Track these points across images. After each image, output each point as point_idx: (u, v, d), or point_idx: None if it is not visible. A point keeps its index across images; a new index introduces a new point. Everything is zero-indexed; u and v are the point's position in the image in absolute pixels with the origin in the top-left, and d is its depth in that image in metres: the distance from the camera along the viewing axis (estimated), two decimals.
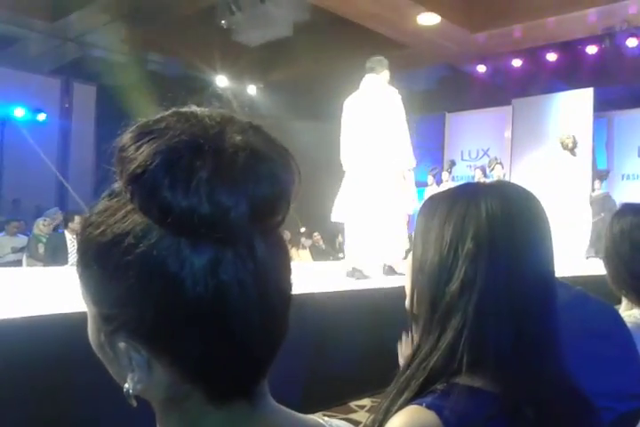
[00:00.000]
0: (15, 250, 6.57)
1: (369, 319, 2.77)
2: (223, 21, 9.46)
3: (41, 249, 6.15)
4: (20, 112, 10.11)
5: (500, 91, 10.72)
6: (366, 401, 2.88)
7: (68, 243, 5.95)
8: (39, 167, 10.09)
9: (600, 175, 8.64)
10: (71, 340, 1.78)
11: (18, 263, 6.25)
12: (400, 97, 4.35)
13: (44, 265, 5.72)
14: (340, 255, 8.01)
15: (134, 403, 0.49)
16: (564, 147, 7.61)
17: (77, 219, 6.07)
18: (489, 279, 0.78)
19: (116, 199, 0.46)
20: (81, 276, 0.48)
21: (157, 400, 0.49)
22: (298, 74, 10.48)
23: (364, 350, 2.66)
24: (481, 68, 10.41)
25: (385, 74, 4.39)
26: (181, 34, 9.45)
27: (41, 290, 3.13)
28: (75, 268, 0.49)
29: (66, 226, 6.22)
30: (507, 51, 9.78)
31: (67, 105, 11.05)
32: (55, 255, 5.81)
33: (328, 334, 2.57)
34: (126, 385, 0.47)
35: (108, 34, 9.54)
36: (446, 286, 0.80)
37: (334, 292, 3.01)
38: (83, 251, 0.47)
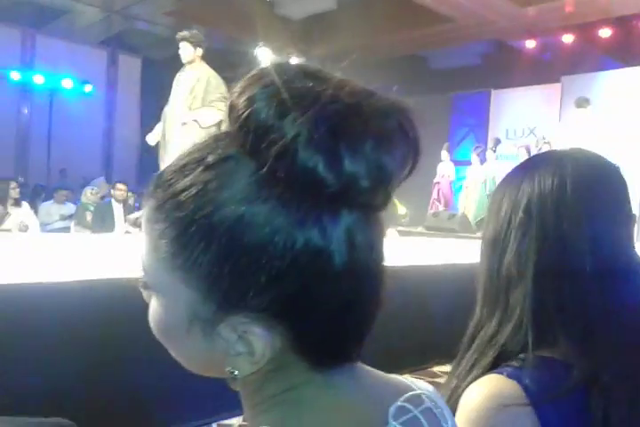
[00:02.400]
0: (63, 217, 6.79)
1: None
2: None
3: (89, 217, 6.34)
4: (67, 83, 10.31)
5: (548, 67, 10.41)
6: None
7: (115, 211, 6.12)
8: (86, 138, 10.33)
9: None
10: (118, 303, 1.86)
11: (66, 230, 6.46)
12: None
13: (92, 232, 5.90)
14: None
15: (237, 387, 0.47)
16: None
17: (120, 186, 6.23)
18: (542, 252, 0.78)
19: (214, 171, 0.42)
20: (171, 258, 0.43)
21: (256, 374, 0.45)
22: (341, 47, 10.37)
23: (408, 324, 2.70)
24: (530, 44, 10.11)
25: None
26: (224, 7, 9.43)
27: (91, 255, 3.24)
28: (147, 245, 0.45)
29: (113, 195, 6.38)
30: (557, 26, 9.46)
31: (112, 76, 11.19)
32: (103, 223, 5.99)
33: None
34: (229, 370, 0.44)
35: (152, 6, 9.59)
36: (503, 258, 0.80)
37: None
38: (185, 234, 0.42)
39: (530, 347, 0.76)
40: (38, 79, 10.15)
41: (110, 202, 6.30)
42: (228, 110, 0.43)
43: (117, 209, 6.10)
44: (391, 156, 0.41)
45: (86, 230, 6.16)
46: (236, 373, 0.43)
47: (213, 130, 4.27)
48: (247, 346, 0.42)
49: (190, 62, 4.53)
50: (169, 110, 4.49)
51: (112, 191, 6.46)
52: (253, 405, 0.48)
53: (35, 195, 7.74)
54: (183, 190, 0.42)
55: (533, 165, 0.85)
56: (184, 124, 4.32)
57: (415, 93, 9.48)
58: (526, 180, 0.82)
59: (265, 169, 0.40)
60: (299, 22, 10.11)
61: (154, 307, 0.46)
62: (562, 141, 6.93)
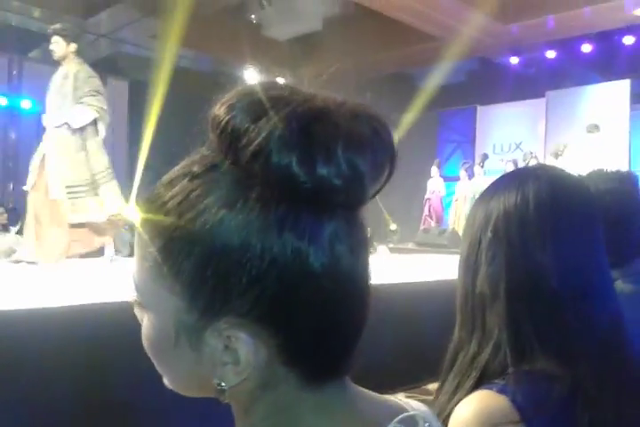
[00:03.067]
0: None
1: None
2: (253, 16, 9.51)
3: None
4: None
5: (533, 83, 10.56)
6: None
7: None
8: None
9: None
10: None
11: None
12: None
13: (80, 257, 5.85)
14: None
15: (225, 399, 0.45)
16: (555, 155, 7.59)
17: None
18: (511, 272, 0.77)
19: (199, 180, 0.43)
20: (158, 267, 0.43)
21: (246, 390, 0.45)
22: (327, 68, 10.48)
23: (398, 343, 2.68)
24: (513, 60, 10.26)
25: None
26: (211, 29, 9.53)
27: (74, 281, 3.20)
28: (138, 260, 0.45)
29: None
30: (540, 42, 9.62)
31: None
32: None
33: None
34: (216, 382, 0.43)
35: (138, 30, 9.66)
36: (475, 278, 0.80)
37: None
38: (170, 240, 0.43)
39: (510, 364, 0.76)
40: (25, 104, 10.15)
41: None
42: (210, 122, 0.44)
43: None
44: (363, 156, 0.42)
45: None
46: (223, 384, 0.43)
47: (89, 131, 3.85)
48: (232, 354, 0.42)
49: (63, 58, 4.01)
50: (44, 117, 3.99)
51: None
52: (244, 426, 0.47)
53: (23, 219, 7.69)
54: (169, 201, 0.43)
55: (501, 183, 0.85)
56: (56, 128, 3.85)
57: (402, 111, 9.57)
58: (495, 197, 0.82)
59: (241, 171, 0.41)
60: (285, 43, 10.21)
61: (145, 324, 0.47)
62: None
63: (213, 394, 0.45)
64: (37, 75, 10.34)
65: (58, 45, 3.97)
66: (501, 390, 0.72)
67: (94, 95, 3.87)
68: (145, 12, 9.12)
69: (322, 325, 0.43)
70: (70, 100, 3.84)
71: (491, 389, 0.73)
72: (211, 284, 0.42)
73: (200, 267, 0.42)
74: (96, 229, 3.98)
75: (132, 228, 6.75)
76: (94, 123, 3.88)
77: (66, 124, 3.82)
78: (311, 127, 0.41)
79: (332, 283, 0.42)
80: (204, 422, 1.86)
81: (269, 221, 0.41)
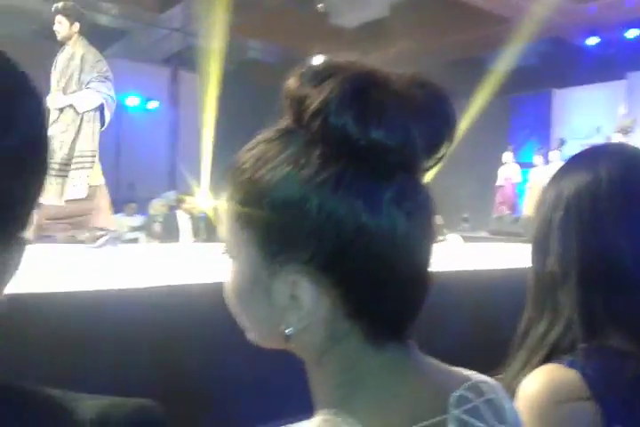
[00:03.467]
0: (133, 229, 7.10)
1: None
2: (320, 5, 9.52)
3: (157, 228, 6.61)
4: (133, 101, 10.73)
5: (612, 64, 10.05)
6: None
7: (180, 222, 6.34)
8: (152, 152, 10.71)
9: None
10: (188, 309, 1.94)
11: (135, 241, 6.75)
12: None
13: (161, 242, 6.14)
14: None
15: (292, 346, 0.49)
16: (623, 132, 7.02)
17: (189, 199, 6.46)
18: (583, 251, 0.76)
19: (273, 143, 0.48)
20: (238, 218, 0.49)
21: (314, 343, 0.48)
22: (396, 53, 10.36)
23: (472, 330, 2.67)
24: (591, 41, 9.80)
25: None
26: (280, 20, 9.60)
27: (161, 263, 3.37)
28: (226, 212, 0.51)
29: (178, 206, 6.62)
30: (619, 21, 9.14)
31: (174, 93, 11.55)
32: (170, 233, 6.22)
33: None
34: (283, 327, 0.48)
35: (210, 23, 9.87)
36: (547, 258, 0.79)
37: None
38: (246, 193, 0.48)
39: (581, 341, 0.75)
40: (131, 101, 10.63)
41: (175, 213, 6.54)
42: (283, 91, 0.49)
43: (182, 220, 6.32)
44: (417, 121, 0.46)
45: (155, 240, 6.41)
46: (289, 330, 0.47)
47: (90, 115, 3.75)
48: (296, 300, 0.47)
49: (67, 39, 3.83)
50: (49, 99, 3.78)
51: (178, 203, 6.71)
52: (316, 385, 0.51)
53: None
54: (246, 161, 0.49)
55: (573, 162, 0.84)
56: (60, 110, 3.73)
57: (473, 96, 9.35)
58: (566, 176, 0.81)
59: (306, 132, 0.47)
60: (353, 30, 10.17)
61: (230, 274, 0.52)
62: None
63: (285, 344, 0.50)
64: (115, 69, 10.80)
65: (61, 25, 3.81)
66: (571, 364, 0.71)
67: (103, 81, 3.78)
68: (214, 4, 9.30)
69: (379, 280, 0.46)
70: (75, 82, 3.75)
71: (560, 363, 0.72)
72: (277, 233, 0.47)
73: (268, 217, 0.47)
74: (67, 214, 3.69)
75: (207, 214, 7.01)
76: (98, 109, 3.78)
77: (71, 106, 3.74)
78: (366, 90, 0.45)
79: (387, 241, 0.46)
80: (276, 405, 1.93)
81: (327, 177, 0.45)
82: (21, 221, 0.41)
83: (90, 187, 3.67)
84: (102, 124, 3.84)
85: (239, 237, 0.50)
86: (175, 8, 9.91)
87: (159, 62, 11.58)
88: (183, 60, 11.32)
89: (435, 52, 10.23)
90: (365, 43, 10.80)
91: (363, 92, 0.45)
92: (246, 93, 10.80)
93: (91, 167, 3.71)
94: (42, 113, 0.42)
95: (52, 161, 3.52)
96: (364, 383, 0.48)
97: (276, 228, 0.47)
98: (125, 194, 9.76)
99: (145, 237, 6.74)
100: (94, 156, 3.75)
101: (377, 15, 9.45)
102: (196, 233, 6.43)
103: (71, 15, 3.79)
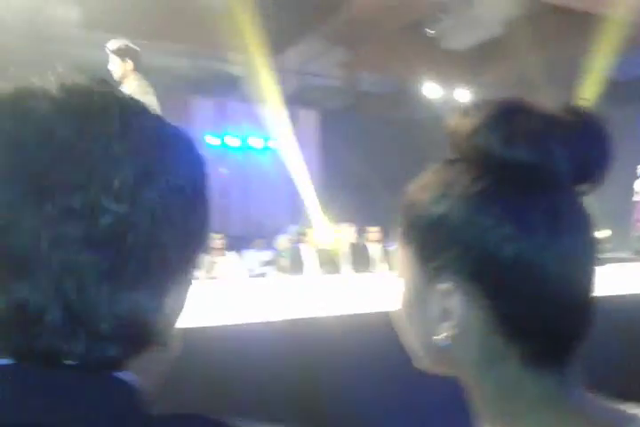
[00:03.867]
0: (263, 263, 7.40)
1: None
2: (429, 30, 9.53)
3: (284, 262, 6.85)
4: (256, 141, 11.36)
5: None
6: None
7: (303, 256, 6.55)
8: (276, 190, 11.19)
9: None
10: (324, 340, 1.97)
11: (263, 275, 7.03)
12: None
13: (289, 275, 6.34)
14: None
15: (449, 365, 0.51)
16: None
17: (310, 233, 6.65)
18: None
19: (437, 170, 0.53)
20: (402, 238, 0.54)
21: (470, 362, 0.49)
22: (509, 71, 10.08)
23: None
24: None
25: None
26: (392, 50, 9.73)
27: (290, 296, 3.47)
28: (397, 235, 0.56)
29: (301, 240, 6.85)
30: None
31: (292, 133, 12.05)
32: (296, 266, 6.43)
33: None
34: (436, 337, 0.50)
35: (323, 61, 10.24)
36: None
37: None
38: (407, 214, 0.54)
39: None
40: (231, 141, 11.33)
41: (298, 247, 6.78)
42: (445, 132, 0.53)
43: (305, 253, 6.52)
44: (563, 143, 0.48)
45: (284, 274, 6.63)
46: (442, 338, 0.49)
47: None
48: (448, 310, 0.49)
49: (123, 78, 3.84)
50: None
51: (301, 237, 6.95)
52: (477, 404, 0.51)
53: (238, 245, 8.51)
54: (415, 191, 0.54)
55: None
56: None
57: (602, 107, 8.80)
58: None
59: (461, 157, 0.51)
60: (463, 53, 10.05)
61: (399, 295, 0.56)
62: None
63: (443, 364, 0.51)
64: (238, 113, 11.50)
65: (114, 64, 3.85)
66: None
67: None
68: (328, 42, 9.63)
69: (528, 294, 0.47)
70: None
71: None
72: (430, 245, 0.51)
73: (423, 232, 0.51)
74: None
75: (328, 247, 7.19)
76: None
77: None
78: (511, 114, 0.49)
79: (535, 254, 0.46)
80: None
81: (473, 193, 0.48)
82: (194, 260, 0.44)
83: None
84: None
85: (403, 255, 0.54)
86: (289, 50, 10.39)
87: (277, 103, 12.16)
88: (298, 99, 11.81)
89: (553, 65, 9.80)
90: (478, 64, 10.65)
91: (507, 115, 0.49)
92: (364, 126, 11.01)
93: None
94: (202, 158, 0.46)
95: None
96: (521, 417, 0.47)
97: (429, 241, 0.51)
98: (254, 230, 10.23)
99: (273, 271, 6.99)
100: None
101: (490, 35, 9.28)
102: (321, 265, 6.59)
103: (123, 54, 3.84)
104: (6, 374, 0.37)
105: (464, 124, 0.51)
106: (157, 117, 0.43)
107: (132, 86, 3.78)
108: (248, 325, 2.06)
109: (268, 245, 8.15)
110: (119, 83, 3.83)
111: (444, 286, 0.49)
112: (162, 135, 0.42)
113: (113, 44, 3.85)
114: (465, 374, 0.51)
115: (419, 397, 1.80)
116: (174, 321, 0.44)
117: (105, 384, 0.39)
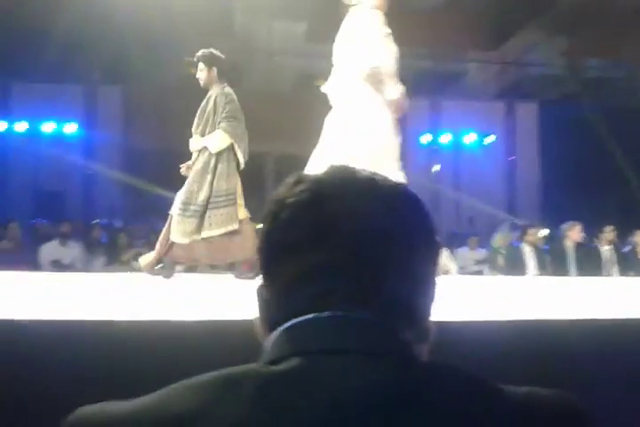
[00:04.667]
0: (477, 262, 7.25)
1: None
2: None
3: (500, 261, 6.64)
4: (469, 138, 11.22)
5: None
6: None
7: (525, 255, 6.26)
8: (489, 186, 10.89)
9: None
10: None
11: (479, 273, 6.87)
12: None
13: (504, 275, 6.13)
14: None
15: None
16: None
17: (531, 231, 6.35)
18: None
19: None
20: None
21: None
22: None
23: None
24: None
25: None
26: (617, 34, 8.86)
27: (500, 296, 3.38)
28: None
29: (522, 239, 6.55)
30: None
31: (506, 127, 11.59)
32: (513, 266, 6.18)
33: None
34: None
35: (546, 49, 9.68)
36: None
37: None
38: None
39: None
40: (444, 138, 11.32)
41: (520, 246, 6.47)
42: None
43: (528, 253, 6.22)
44: None
45: (498, 273, 6.42)
46: None
47: (224, 155, 3.88)
48: None
49: (209, 84, 4.03)
50: (190, 142, 4.09)
51: (522, 235, 6.64)
52: None
53: (450, 241, 8.47)
54: None
55: None
56: (198, 152, 3.96)
57: None
58: None
59: None
60: None
61: None
62: None
63: None
64: (452, 110, 11.37)
65: (200, 72, 4.02)
66: None
67: (230, 121, 3.95)
68: (552, 30, 9.11)
69: None
70: (210, 124, 3.98)
71: None
72: None
73: None
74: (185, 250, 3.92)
75: (552, 247, 6.75)
76: (231, 148, 3.95)
77: (205, 148, 3.97)
78: None
79: None
80: None
81: None
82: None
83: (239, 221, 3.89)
84: (237, 165, 4.01)
85: None
86: (508, 42, 10.00)
87: (493, 97, 11.79)
88: (517, 90, 11.32)
89: None
90: None
91: None
92: (585, 115, 10.18)
93: (225, 206, 3.89)
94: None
95: (192, 202, 3.88)
96: None
97: None
98: (466, 228, 10.07)
99: (488, 270, 6.80)
100: (229, 195, 3.92)
101: None
102: (541, 266, 6.25)
103: (208, 61, 3.99)
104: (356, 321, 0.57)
105: None
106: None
107: (216, 93, 3.99)
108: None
109: (482, 244, 7.96)
110: (206, 89, 4.08)
111: None
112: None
113: (200, 53, 4.04)
114: None
115: None
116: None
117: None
